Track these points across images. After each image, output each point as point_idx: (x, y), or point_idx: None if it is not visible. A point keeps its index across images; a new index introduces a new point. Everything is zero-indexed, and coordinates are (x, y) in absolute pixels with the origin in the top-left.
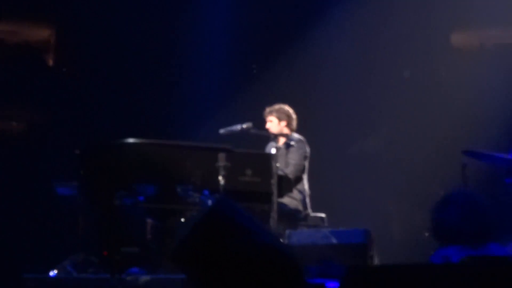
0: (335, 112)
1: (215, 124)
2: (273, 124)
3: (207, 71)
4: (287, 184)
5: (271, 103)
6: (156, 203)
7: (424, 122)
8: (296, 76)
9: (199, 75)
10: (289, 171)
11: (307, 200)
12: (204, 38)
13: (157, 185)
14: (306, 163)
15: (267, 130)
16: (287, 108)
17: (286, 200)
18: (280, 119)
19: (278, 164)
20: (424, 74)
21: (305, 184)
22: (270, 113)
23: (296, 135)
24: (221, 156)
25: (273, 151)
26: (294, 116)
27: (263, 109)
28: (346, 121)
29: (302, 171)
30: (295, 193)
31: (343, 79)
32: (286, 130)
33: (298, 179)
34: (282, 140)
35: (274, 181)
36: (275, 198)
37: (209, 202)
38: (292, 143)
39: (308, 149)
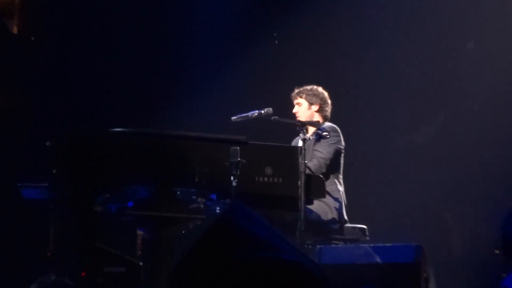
0: (377, 97)
1: (226, 110)
2: (302, 108)
3: (213, 39)
4: (318, 186)
5: (297, 86)
6: (149, 210)
7: (490, 109)
8: (329, 53)
9: (203, 44)
10: (311, 165)
11: (343, 207)
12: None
13: (151, 186)
14: (341, 160)
15: (293, 117)
16: (321, 90)
17: (316, 207)
18: (311, 103)
19: (306, 161)
20: (490, 46)
21: (340, 187)
22: (299, 94)
23: (328, 124)
24: (233, 150)
25: (300, 143)
26: (329, 101)
27: (289, 91)
28: (392, 106)
29: (330, 169)
30: (328, 199)
31: (386, 56)
32: (317, 117)
33: (333, 176)
34: (311, 131)
35: (301, 182)
36: (302, 205)
37: (218, 209)
38: (324, 133)
39: (342, 142)
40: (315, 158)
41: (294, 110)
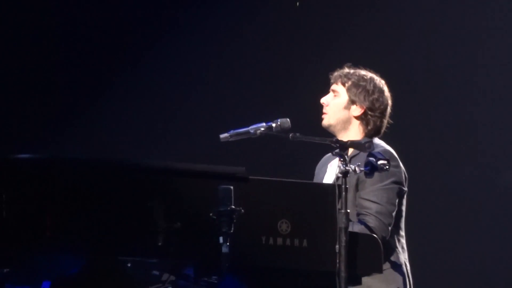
0: (457, 114)
1: (212, 123)
2: (337, 102)
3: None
4: (372, 253)
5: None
6: None
7: None
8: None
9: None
10: (374, 224)
11: (408, 279)
12: None
13: (82, 254)
14: (403, 206)
15: (322, 121)
16: (379, 83)
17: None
18: (353, 100)
19: (349, 210)
20: None
21: (403, 252)
22: (343, 78)
23: (379, 143)
24: (224, 191)
25: (331, 175)
26: (388, 108)
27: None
28: (480, 132)
29: (395, 222)
30: (386, 272)
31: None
32: (355, 129)
33: (391, 238)
34: (349, 151)
35: (340, 247)
36: (343, 286)
37: None
38: (381, 162)
39: (405, 174)
40: (369, 216)
41: (323, 99)
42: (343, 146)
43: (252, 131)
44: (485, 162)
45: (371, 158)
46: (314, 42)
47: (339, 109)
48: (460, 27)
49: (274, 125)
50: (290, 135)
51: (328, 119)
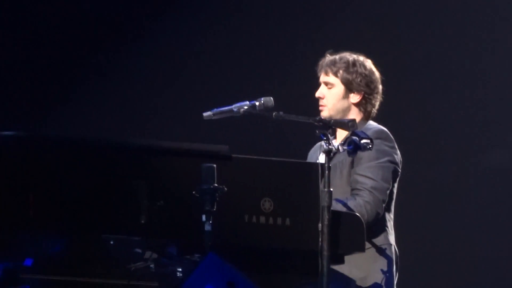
0: (440, 101)
1: (194, 101)
2: (333, 94)
3: None
4: (355, 232)
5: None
6: (60, 273)
7: None
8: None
9: None
10: (369, 199)
11: (394, 267)
12: None
13: (64, 232)
14: (395, 188)
15: (312, 111)
16: (370, 65)
17: (350, 267)
18: (350, 88)
19: (332, 188)
20: None
21: (391, 233)
22: (333, 67)
23: (374, 125)
24: (207, 169)
25: (322, 158)
26: (380, 85)
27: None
28: (461, 117)
29: (388, 203)
30: (370, 253)
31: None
32: (354, 114)
33: (380, 220)
34: (342, 135)
35: (323, 225)
36: (325, 265)
37: (179, 271)
38: (364, 141)
39: (399, 157)
40: (364, 191)
41: (318, 93)
42: (327, 125)
43: (235, 110)
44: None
45: (354, 137)
46: (299, 21)
47: (337, 99)
48: (458, 21)
49: (257, 103)
50: (274, 113)
51: (328, 111)
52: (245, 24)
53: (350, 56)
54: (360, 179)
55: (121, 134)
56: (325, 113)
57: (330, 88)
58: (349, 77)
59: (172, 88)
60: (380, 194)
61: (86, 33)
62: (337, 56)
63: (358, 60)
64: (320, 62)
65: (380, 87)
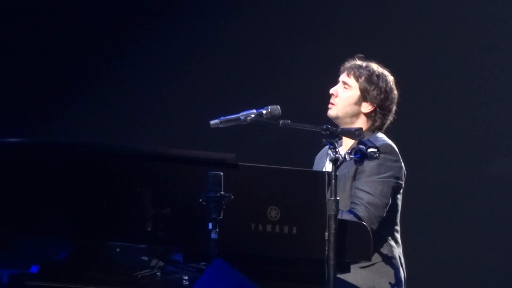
0: (444, 109)
1: (202, 110)
2: (347, 95)
3: None
4: (361, 241)
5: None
6: (66, 280)
7: None
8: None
9: None
10: (363, 215)
11: (402, 277)
12: None
13: (70, 239)
14: (399, 204)
15: (329, 111)
16: (392, 83)
17: (356, 277)
18: (364, 96)
19: (338, 197)
20: None
21: (397, 247)
22: (356, 72)
23: (382, 138)
24: (213, 177)
25: (328, 166)
26: (394, 107)
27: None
28: (465, 126)
29: (390, 215)
30: (377, 264)
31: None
32: (362, 123)
33: (385, 231)
34: (348, 144)
35: (329, 234)
36: (332, 273)
37: (185, 280)
38: (372, 150)
39: (403, 172)
40: (360, 206)
41: (332, 90)
42: (333, 133)
43: (242, 118)
44: (474, 153)
45: (361, 146)
46: (308, 30)
47: (349, 103)
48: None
49: (264, 112)
50: (280, 122)
51: (336, 111)
52: (255, 33)
53: (377, 68)
54: (359, 193)
55: (127, 141)
56: (332, 112)
57: (346, 89)
58: (368, 86)
59: (179, 96)
60: (375, 210)
61: (93, 38)
62: (364, 63)
63: (382, 74)
64: (346, 62)
65: (394, 107)
